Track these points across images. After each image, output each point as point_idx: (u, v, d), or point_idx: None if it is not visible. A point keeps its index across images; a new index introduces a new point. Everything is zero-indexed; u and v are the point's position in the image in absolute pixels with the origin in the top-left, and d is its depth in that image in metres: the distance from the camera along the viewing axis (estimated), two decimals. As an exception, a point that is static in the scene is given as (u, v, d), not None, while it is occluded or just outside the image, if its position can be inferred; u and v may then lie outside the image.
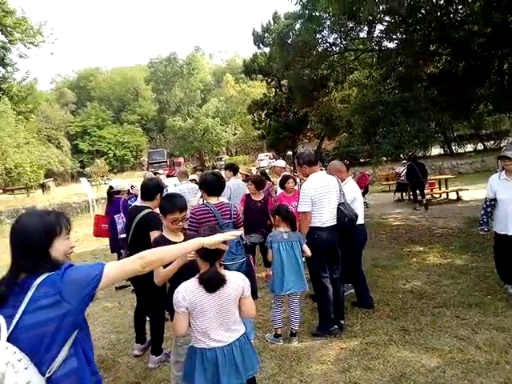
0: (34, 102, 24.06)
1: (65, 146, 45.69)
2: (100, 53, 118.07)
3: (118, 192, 6.21)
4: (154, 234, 3.42)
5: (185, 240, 2.66)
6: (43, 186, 23.94)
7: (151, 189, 3.66)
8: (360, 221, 4.16)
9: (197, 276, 2.15)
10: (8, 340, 1.30)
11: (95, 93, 60.66)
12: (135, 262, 1.56)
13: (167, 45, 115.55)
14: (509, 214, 4.09)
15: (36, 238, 1.47)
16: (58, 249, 1.53)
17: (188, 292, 2.11)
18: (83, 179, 18.35)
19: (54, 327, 1.35)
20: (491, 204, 4.31)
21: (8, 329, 1.32)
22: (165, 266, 2.46)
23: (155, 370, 3.51)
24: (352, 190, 4.27)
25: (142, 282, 3.46)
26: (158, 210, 3.81)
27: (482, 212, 4.42)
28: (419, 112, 7.89)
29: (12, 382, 1.22)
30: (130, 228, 3.55)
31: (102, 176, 25.28)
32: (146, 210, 3.53)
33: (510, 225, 4.10)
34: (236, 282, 2.21)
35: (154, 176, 6.51)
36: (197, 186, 6.41)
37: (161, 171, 8.55)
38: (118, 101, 61.40)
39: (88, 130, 52.31)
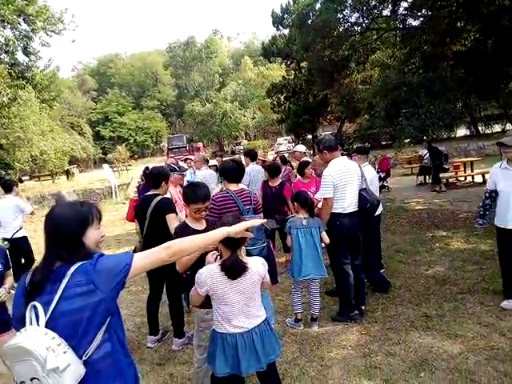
0: (56, 90, 24.38)
1: (87, 133, 46.60)
2: (119, 39, 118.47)
3: None
4: (170, 218, 3.52)
5: (207, 227, 2.70)
6: (67, 173, 24.58)
7: (157, 177, 3.74)
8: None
9: (219, 262, 2.18)
10: (46, 326, 1.36)
11: (115, 79, 61.19)
12: (162, 252, 1.59)
13: (185, 29, 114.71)
14: (509, 206, 3.67)
15: (71, 227, 1.52)
16: (90, 238, 1.58)
17: (209, 277, 2.15)
18: (105, 166, 18.75)
19: (89, 314, 1.41)
20: (491, 196, 3.86)
21: (46, 315, 1.38)
22: None
23: (179, 352, 3.62)
24: (369, 172, 4.25)
25: (161, 270, 3.52)
26: (168, 195, 3.90)
27: (480, 204, 4.01)
28: (445, 93, 7.60)
29: (53, 365, 1.28)
30: (145, 217, 3.57)
31: (124, 162, 25.68)
32: (159, 197, 3.61)
33: (510, 217, 3.68)
34: (257, 268, 2.24)
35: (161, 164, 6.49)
36: (215, 173, 6.45)
37: (191, 157, 8.54)
38: (138, 86, 61.81)
39: (109, 117, 53.03)
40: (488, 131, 22.73)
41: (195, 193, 2.74)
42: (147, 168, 6.17)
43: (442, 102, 7.45)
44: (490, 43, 8.69)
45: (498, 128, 22.88)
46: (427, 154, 12.13)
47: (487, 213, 3.84)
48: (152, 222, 3.56)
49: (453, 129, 16.43)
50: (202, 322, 2.75)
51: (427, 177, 12.21)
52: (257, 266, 2.25)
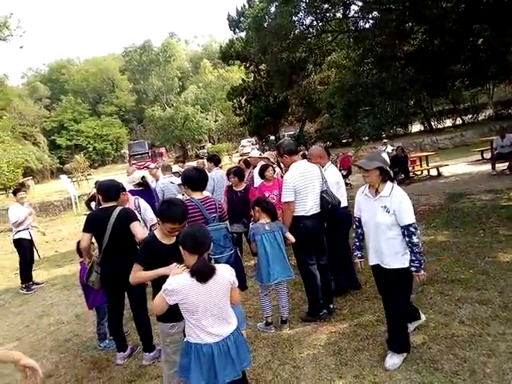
0: (5, 99, 23.21)
1: (42, 143, 44.57)
2: (71, 43, 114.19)
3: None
4: (136, 225, 3.47)
5: (176, 240, 2.65)
6: (22, 186, 23.34)
7: (116, 188, 3.68)
8: (343, 203, 4.22)
9: (187, 270, 2.20)
10: None
11: (69, 85, 58.86)
12: None
13: (141, 32, 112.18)
14: (370, 240, 3.11)
15: None
16: None
17: (181, 285, 2.14)
18: (63, 176, 18.01)
19: None
20: (361, 223, 3.21)
21: None
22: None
23: (150, 367, 3.54)
24: (334, 174, 4.30)
25: (119, 280, 3.42)
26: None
27: (354, 235, 3.39)
28: (397, 92, 7.94)
29: None
30: (104, 230, 3.43)
31: (83, 172, 24.77)
32: (118, 208, 3.52)
33: (372, 254, 3.10)
34: (224, 273, 2.27)
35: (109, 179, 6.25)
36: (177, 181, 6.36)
37: (152, 165, 8.33)
38: (94, 92, 59.85)
39: (65, 125, 51.02)
40: (440, 126, 23.97)
41: (174, 213, 2.64)
42: (143, 177, 5.99)
43: (395, 101, 7.78)
44: (436, 44, 9.16)
45: (449, 123, 24.18)
46: (385, 151, 12.60)
47: (362, 243, 3.28)
48: (114, 233, 3.46)
49: (407, 127, 17.18)
50: (167, 337, 2.70)
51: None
52: (224, 271, 2.28)
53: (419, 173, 12.50)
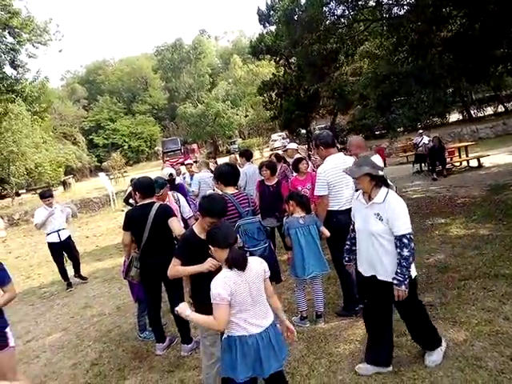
0: (47, 101, 24.29)
1: (81, 142, 46.52)
2: (106, 45, 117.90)
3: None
4: (174, 221, 3.58)
5: None
6: (64, 183, 24.51)
7: (152, 186, 3.79)
8: None
9: (224, 265, 2.25)
10: None
11: (105, 86, 60.97)
12: None
13: (172, 31, 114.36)
14: (361, 250, 2.92)
15: None
16: None
17: (227, 280, 2.16)
18: (101, 174, 18.74)
19: None
20: (355, 228, 3.02)
21: None
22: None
23: (188, 358, 3.64)
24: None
25: (157, 275, 3.55)
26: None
27: (348, 236, 3.17)
28: (435, 81, 7.61)
29: None
30: (144, 226, 3.54)
31: (120, 169, 25.63)
32: (156, 204, 3.63)
33: (363, 263, 2.91)
34: (255, 263, 2.32)
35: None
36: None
37: (189, 161, 8.53)
38: (128, 92, 61.63)
39: (101, 124, 52.93)
40: (480, 114, 22.82)
41: (213, 207, 2.68)
42: (171, 175, 6.16)
43: (432, 90, 7.47)
44: (476, 28, 8.69)
45: (490, 111, 22.96)
46: (422, 142, 12.18)
47: (354, 248, 3.07)
48: (153, 229, 3.57)
49: (445, 116, 16.46)
50: (204, 330, 2.76)
51: (423, 164, 12.26)
52: (254, 262, 2.33)
53: (458, 164, 12.01)
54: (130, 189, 6.56)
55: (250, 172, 6.22)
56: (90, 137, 51.51)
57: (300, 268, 3.62)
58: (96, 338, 4.58)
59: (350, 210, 3.72)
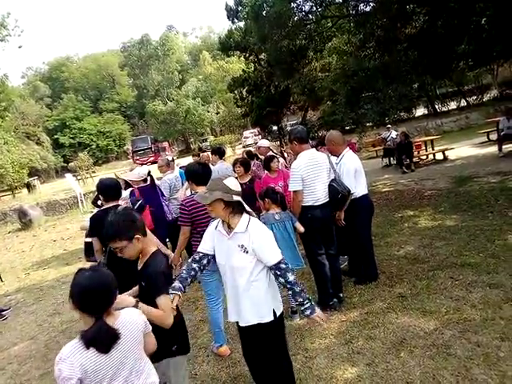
0: (7, 100, 23.22)
1: (45, 142, 44.70)
2: (69, 41, 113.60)
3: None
4: None
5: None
6: (28, 186, 23.49)
7: (116, 188, 3.65)
8: (363, 191, 4.16)
9: (79, 337, 1.64)
10: None
11: (69, 83, 58.77)
12: None
13: (139, 26, 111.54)
14: (228, 289, 2.45)
15: None
16: None
17: (77, 358, 1.58)
18: (68, 175, 18.09)
19: None
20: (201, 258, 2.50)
21: None
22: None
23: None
24: (351, 161, 4.10)
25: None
26: None
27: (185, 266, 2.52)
28: (400, 76, 7.81)
29: None
30: None
31: (87, 169, 24.84)
32: (120, 207, 3.50)
33: (233, 307, 2.44)
34: (134, 321, 1.80)
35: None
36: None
37: (169, 157, 7.93)
38: (95, 89, 59.74)
39: (67, 123, 51.02)
40: (445, 109, 23.66)
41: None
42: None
43: (399, 86, 7.65)
44: (439, 25, 8.97)
45: (453, 105, 23.85)
46: (390, 136, 12.48)
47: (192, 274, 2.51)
48: None
49: (411, 110, 16.95)
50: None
51: (391, 158, 12.57)
52: (132, 317, 1.80)
53: (424, 157, 12.38)
54: None
55: (222, 170, 6.14)
56: (55, 136, 49.53)
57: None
58: (66, 345, 4.41)
59: (325, 204, 3.79)
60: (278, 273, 2.27)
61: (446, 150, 11.83)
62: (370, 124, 10.14)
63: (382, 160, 12.97)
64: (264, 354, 2.46)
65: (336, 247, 3.99)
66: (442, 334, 3.12)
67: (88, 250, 3.73)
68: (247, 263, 2.28)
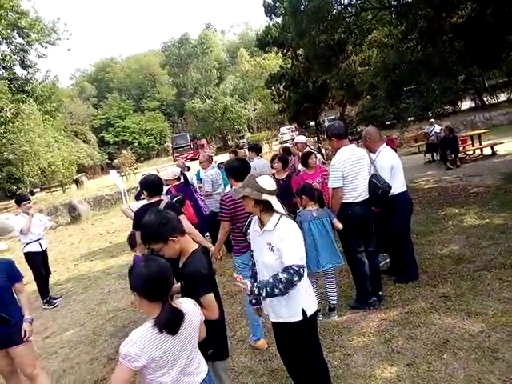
0: (57, 100, 24.59)
1: (91, 140, 46.99)
2: (114, 42, 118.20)
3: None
4: (181, 219, 3.56)
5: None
6: (77, 182, 24.81)
7: (158, 184, 3.81)
8: (402, 188, 4.07)
9: (152, 323, 1.72)
10: None
11: (114, 83, 61.32)
12: None
13: (178, 26, 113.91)
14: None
15: None
16: None
17: (148, 343, 1.68)
18: (112, 171, 18.89)
19: None
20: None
21: None
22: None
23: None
24: (389, 158, 4.01)
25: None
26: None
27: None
28: (445, 68, 7.46)
29: None
30: None
31: (130, 166, 25.83)
32: (164, 201, 3.65)
33: (267, 303, 2.44)
34: (192, 309, 1.90)
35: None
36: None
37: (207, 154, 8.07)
38: (137, 89, 61.91)
39: (111, 122, 53.33)
40: (494, 101, 22.33)
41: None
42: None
43: (443, 78, 7.32)
44: (488, 13, 8.48)
45: (503, 97, 22.45)
46: (433, 131, 11.99)
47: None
48: None
49: (456, 103, 16.15)
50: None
51: (435, 154, 12.08)
52: (189, 306, 1.90)
53: (471, 153, 11.79)
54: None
55: (259, 166, 6.20)
56: (101, 134, 51.94)
57: (313, 261, 3.58)
58: (112, 333, 4.66)
59: (365, 201, 3.72)
60: (285, 270, 2.18)
61: (495, 144, 11.20)
62: (412, 118, 9.77)
63: (425, 156, 12.49)
64: (293, 350, 2.48)
65: (375, 244, 3.92)
66: (488, 337, 3.00)
67: (133, 240, 3.93)
68: (273, 261, 2.28)
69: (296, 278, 2.16)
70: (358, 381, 2.86)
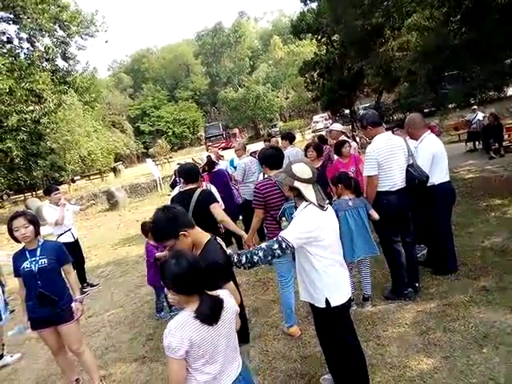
0: (96, 91, 25.45)
1: (128, 130, 48.35)
2: (149, 33, 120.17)
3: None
4: (215, 207, 3.66)
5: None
6: (114, 170, 25.71)
7: (195, 171, 3.88)
8: (443, 178, 3.93)
9: (194, 316, 1.73)
10: None
11: (149, 74, 62.54)
12: None
13: (212, 14, 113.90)
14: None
15: None
16: None
17: (186, 329, 1.70)
18: (148, 160, 19.41)
19: None
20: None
21: None
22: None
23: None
24: (431, 146, 3.88)
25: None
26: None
27: None
28: (492, 52, 7.04)
29: None
30: (187, 210, 3.57)
31: (165, 155, 26.41)
32: (199, 190, 3.71)
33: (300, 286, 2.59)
34: (229, 300, 1.90)
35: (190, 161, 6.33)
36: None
37: (241, 142, 8.18)
38: (171, 79, 62.83)
39: (147, 112, 54.53)
40: (544, 86, 20.89)
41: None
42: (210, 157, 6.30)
43: (489, 62, 6.92)
44: (541, -10, 7.88)
45: (555, 82, 20.95)
46: (476, 118, 11.43)
47: None
48: (196, 215, 3.62)
49: (502, 89, 15.25)
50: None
51: (477, 143, 11.53)
52: (225, 295, 1.90)
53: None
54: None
55: (292, 155, 6.16)
56: (137, 124, 53.29)
57: (349, 251, 3.52)
58: (150, 314, 4.86)
59: (401, 190, 3.64)
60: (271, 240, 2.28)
61: (544, 133, 10.53)
62: (453, 105, 9.34)
63: (466, 144, 11.94)
64: (325, 335, 2.60)
65: (412, 235, 3.83)
66: (533, 332, 2.88)
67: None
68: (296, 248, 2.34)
69: (276, 246, 2.21)
70: (393, 371, 2.84)
